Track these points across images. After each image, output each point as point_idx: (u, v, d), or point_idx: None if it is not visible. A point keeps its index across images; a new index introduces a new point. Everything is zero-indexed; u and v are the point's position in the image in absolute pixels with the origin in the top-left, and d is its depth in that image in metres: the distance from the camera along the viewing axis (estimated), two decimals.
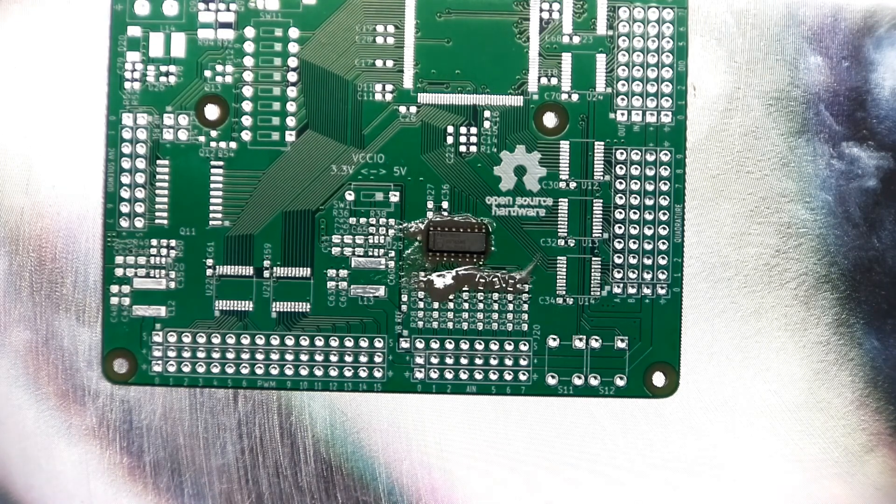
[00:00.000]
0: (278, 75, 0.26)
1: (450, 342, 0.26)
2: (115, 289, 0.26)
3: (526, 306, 0.26)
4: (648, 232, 0.26)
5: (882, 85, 0.27)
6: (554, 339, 0.26)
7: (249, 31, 0.26)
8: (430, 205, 0.26)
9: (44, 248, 0.27)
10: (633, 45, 0.26)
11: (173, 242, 0.26)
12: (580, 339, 0.26)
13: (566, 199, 0.26)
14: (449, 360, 0.26)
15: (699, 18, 0.27)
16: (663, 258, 0.26)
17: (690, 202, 0.27)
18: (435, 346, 0.26)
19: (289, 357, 0.26)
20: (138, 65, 0.26)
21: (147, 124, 0.26)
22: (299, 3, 0.26)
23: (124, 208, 0.26)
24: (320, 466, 0.27)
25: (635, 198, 0.26)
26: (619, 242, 0.26)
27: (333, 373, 0.26)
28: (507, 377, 0.26)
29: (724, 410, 0.27)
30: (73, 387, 0.27)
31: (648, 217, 0.26)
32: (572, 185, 0.26)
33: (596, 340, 0.26)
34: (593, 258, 0.26)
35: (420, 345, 0.26)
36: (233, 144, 0.26)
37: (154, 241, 0.26)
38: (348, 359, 0.26)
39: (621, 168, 0.26)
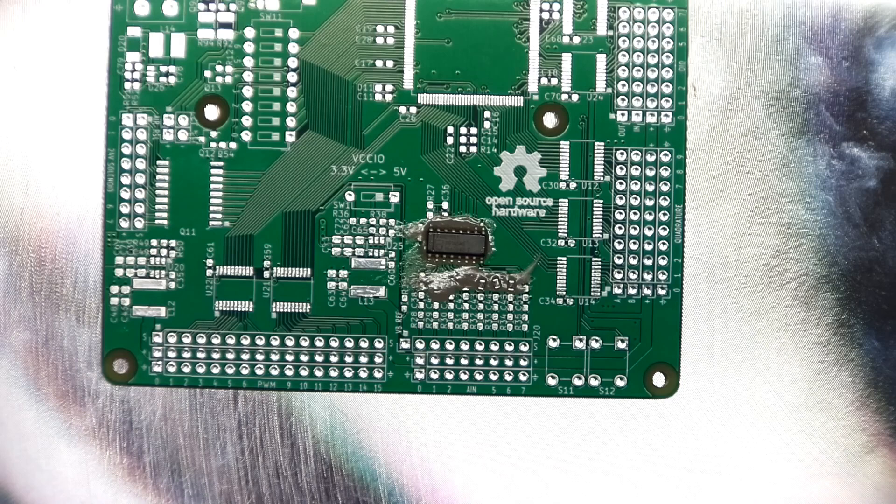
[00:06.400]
0: (278, 76, 0.26)
1: (450, 343, 0.26)
2: (115, 289, 0.26)
3: (526, 307, 0.26)
4: (648, 232, 0.26)
5: (882, 85, 0.27)
6: (554, 340, 0.26)
7: (249, 32, 0.26)
8: (430, 205, 0.26)
9: (44, 248, 0.27)
10: (633, 46, 0.26)
11: (173, 243, 0.26)
12: (580, 340, 0.26)
13: (566, 200, 0.26)
14: (449, 361, 0.26)
15: (699, 18, 0.27)
16: (663, 259, 0.26)
17: (690, 202, 0.27)
18: (435, 346, 0.26)
19: (289, 358, 0.26)
20: (138, 65, 0.26)
21: (147, 125, 0.26)
22: (299, 3, 0.26)
23: (124, 209, 0.26)
24: (320, 467, 0.27)
25: (635, 198, 0.26)
26: (620, 243, 0.26)
27: (333, 373, 0.26)
28: (508, 378, 0.26)
29: (724, 410, 0.27)
30: (72, 387, 0.27)
31: (648, 217, 0.26)
32: (572, 185, 0.26)
33: (596, 341, 0.26)
34: (593, 259, 0.26)
35: (420, 345, 0.26)
36: (233, 145, 0.26)
37: (154, 242, 0.26)
38: (348, 359, 0.26)
39: (621, 168, 0.26)
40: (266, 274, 0.26)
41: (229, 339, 0.26)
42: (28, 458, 0.27)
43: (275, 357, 0.26)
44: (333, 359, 0.26)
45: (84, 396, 0.27)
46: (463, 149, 0.26)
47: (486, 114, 0.26)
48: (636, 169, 0.26)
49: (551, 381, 0.26)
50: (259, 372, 0.26)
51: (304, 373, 0.26)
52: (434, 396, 0.27)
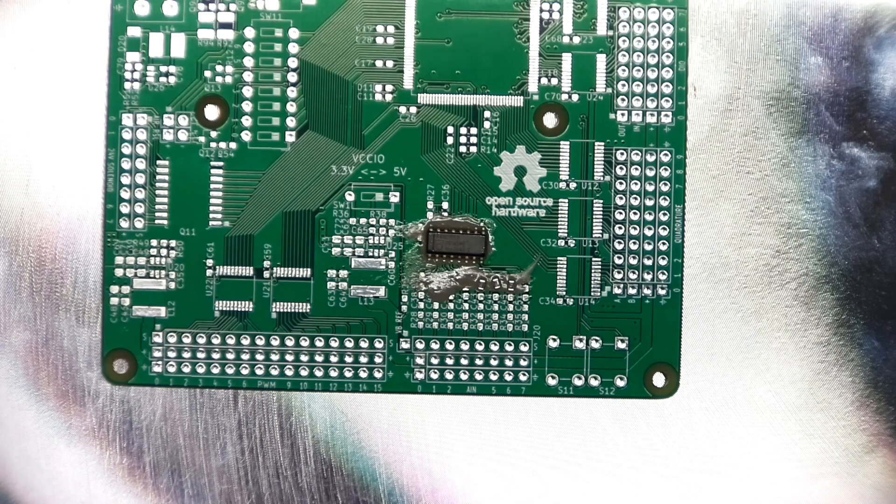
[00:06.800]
0: (278, 75, 0.26)
1: (450, 343, 0.26)
2: (114, 289, 0.26)
3: (526, 307, 0.26)
4: (648, 232, 0.26)
5: (882, 85, 0.27)
6: (554, 340, 0.26)
7: (249, 32, 0.26)
8: (430, 205, 0.26)
9: (44, 248, 0.27)
10: (633, 46, 0.26)
11: (173, 243, 0.26)
12: (580, 340, 0.26)
13: (566, 200, 0.26)
14: (449, 361, 0.26)
15: (699, 18, 0.27)
16: (663, 258, 0.26)
17: (690, 202, 0.27)
18: (435, 346, 0.26)
19: (289, 358, 0.26)
20: (138, 65, 0.26)
21: (147, 125, 0.26)
22: (299, 3, 0.26)
23: (124, 209, 0.26)
24: (320, 467, 0.27)
25: (635, 198, 0.26)
26: (620, 243, 0.26)
27: (333, 373, 0.26)
28: (508, 378, 0.26)
29: (724, 410, 0.27)
30: (72, 387, 0.27)
31: (648, 217, 0.26)
32: (572, 185, 0.26)
33: (596, 341, 0.26)
34: (593, 259, 0.26)
35: (420, 345, 0.26)
36: (233, 145, 0.26)
37: (154, 242, 0.26)
38: (348, 359, 0.26)
39: (621, 168, 0.26)
40: (266, 274, 0.26)
41: (229, 339, 0.26)
42: (28, 458, 0.27)
43: (275, 357, 0.26)
44: (333, 359, 0.26)
45: (84, 396, 0.27)
46: (463, 149, 0.26)
47: (486, 114, 0.26)
48: (636, 169, 0.26)
49: (551, 381, 0.26)
50: (259, 372, 0.26)
51: (304, 373, 0.26)
52: (434, 396, 0.27)
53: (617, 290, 0.26)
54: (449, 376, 0.26)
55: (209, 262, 0.26)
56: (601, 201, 0.26)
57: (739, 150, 0.27)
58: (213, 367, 0.26)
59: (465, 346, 0.26)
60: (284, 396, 0.27)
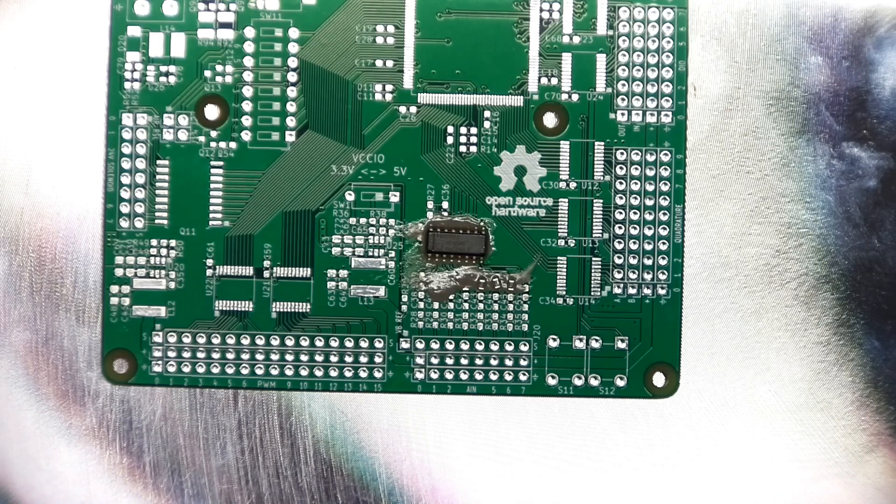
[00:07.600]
0: (278, 75, 0.26)
1: (450, 342, 0.26)
2: (114, 289, 0.26)
3: (526, 307, 0.26)
4: (648, 232, 0.26)
5: (882, 85, 0.27)
6: (554, 340, 0.26)
7: (249, 31, 0.26)
8: (430, 205, 0.26)
9: (44, 248, 0.27)
10: (633, 45, 0.26)
11: (173, 243, 0.26)
12: (580, 340, 0.26)
13: (566, 200, 0.26)
14: (449, 361, 0.26)
15: (699, 18, 0.27)
16: (663, 258, 0.26)
17: (690, 202, 0.27)
18: (435, 346, 0.26)
19: (289, 357, 0.26)
20: (138, 65, 0.26)
21: (147, 124, 0.26)
22: (299, 3, 0.26)
23: (124, 208, 0.26)
24: (320, 467, 0.27)
25: (635, 198, 0.26)
26: (620, 243, 0.26)
27: (333, 373, 0.26)
28: (508, 377, 0.26)
29: (724, 410, 0.27)
30: (72, 387, 0.27)
31: (648, 217, 0.26)
32: (572, 185, 0.26)
33: (596, 341, 0.26)
34: (593, 258, 0.26)
35: (420, 345, 0.26)
36: (233, 144, 0.26)
37: (154, 242, 0.26)
38: (348, 359, 0.26)
39: (621, 168, 0.26)
40: (266, 274, 0.26)
41: (229, 339, 0.26)
42: (28, 457, 0.27)
43: (275, 357, 0.26)
44: (333, 359, 0.26)
45: (84, 396, 0.27)
46: (463, 148, 0.26)
47: (486, 113, 0.26)
48: (636, 169, 0.26)
49: (551, 381, 0.26)
50: (259, 372, 0.26)
51: (304, 373, 0.26)
52: (434, 396, 0.27)
53: (617, 290, 0.26)
54: (449, 376, 0.26)
55: (209, 262, 0.26)
56: (601, 201, 0.26)
57: (739, 150, 0.27)
58: (213, 367, 0.26)
59: (465, 346, 0.26)
60: (284, 396, 0.27)
